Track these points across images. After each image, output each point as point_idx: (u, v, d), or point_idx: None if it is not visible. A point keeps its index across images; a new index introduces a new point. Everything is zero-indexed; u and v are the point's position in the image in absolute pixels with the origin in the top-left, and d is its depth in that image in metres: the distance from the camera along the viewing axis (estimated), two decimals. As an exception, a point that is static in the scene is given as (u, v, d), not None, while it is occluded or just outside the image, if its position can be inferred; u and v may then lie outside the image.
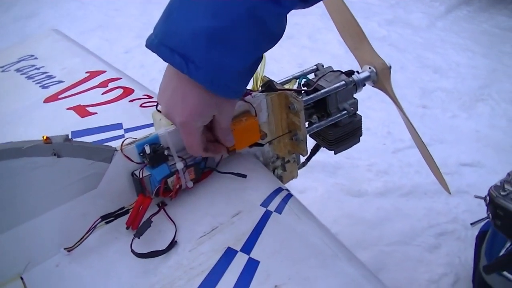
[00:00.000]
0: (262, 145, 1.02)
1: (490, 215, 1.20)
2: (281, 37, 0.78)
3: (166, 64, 0.76)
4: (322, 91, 1.04)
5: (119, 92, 1.35)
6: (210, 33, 0.69)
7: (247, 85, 0.81)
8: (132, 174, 0.86)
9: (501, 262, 1.30)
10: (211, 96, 0.77)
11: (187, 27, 0.70)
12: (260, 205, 0.89)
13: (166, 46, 0.73)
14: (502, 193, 1.16)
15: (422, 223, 2.15)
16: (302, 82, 1.09)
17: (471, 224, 1.36)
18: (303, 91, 1.05)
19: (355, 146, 1.17)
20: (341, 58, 3.06)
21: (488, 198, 1.20)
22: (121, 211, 0.86)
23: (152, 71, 3.26)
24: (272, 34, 0.76)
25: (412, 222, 2.16)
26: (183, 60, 0.72)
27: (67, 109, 1.28)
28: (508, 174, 1.20)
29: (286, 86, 1.08)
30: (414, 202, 2.27)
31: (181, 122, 0.81)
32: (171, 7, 0.74)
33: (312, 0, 0.78)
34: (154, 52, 0.74)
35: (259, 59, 0.79)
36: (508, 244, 1.31)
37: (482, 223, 1.40)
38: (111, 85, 1.39)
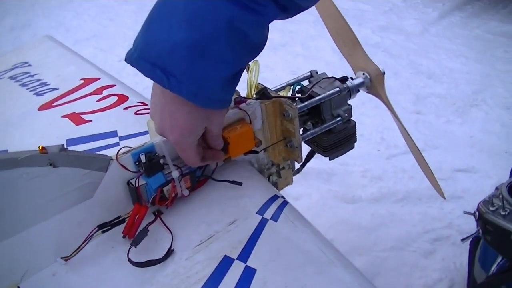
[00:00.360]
0: (257, 152, 1.02)
1: (480, 230, 1.20)
2: (263, 47, 0.77)
3: None
4: (317, 98, 1.04)
5: (113, 99, 1.34)
6: (189, 46, 0.68)
7: (232, 94, 0.81)
8: (128, 183, 0.86)
9: (493, 281, 1.30)
10: (198, 109, 0.76)
11: (166, 40, 0.69)
12: (256, 213, 0.89)
13: (146, 60, 0.72)
14: (491, 208, 1.16)
15: (417, 228, 2.15)
16: (297, 89, 1.10)
17: (462, 240, 1.36)
18: (297, 98, 1.05)
19: (349, 152, 1.17)
20: (335, 65, 3.06)
21: (477, 213, 1.20)
22: (118, 220, 0.85)
23: (146, 79, 3.19)
24: (253, 45, 0.75)
25: (407, 227, 2.16)
26: (164, 74, 0.71)
27: (62, 116, 1.28)
28: (497, 188, 1.20)
29: (281, 93, 1.08)
30: (409, 208, 2.28)
31: (174, 141, 0.81)
32: (150, 20, 0.73)
33: (293, 10, 0.77)
34: (133, 66, 0.73)
35: (242, 69, 0.78)
36: (499, 259, 1.31)
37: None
38: (105, 92, 1.39)
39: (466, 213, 1.28)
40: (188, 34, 0.68)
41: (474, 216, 1.21)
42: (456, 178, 2.45)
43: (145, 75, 0.73)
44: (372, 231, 2.15)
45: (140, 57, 0.72)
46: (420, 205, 2.29)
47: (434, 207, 2.26)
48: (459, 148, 2.69)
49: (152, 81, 0.76)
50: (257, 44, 0.76)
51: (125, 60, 0.74)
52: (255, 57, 0.78)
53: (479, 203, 1.19)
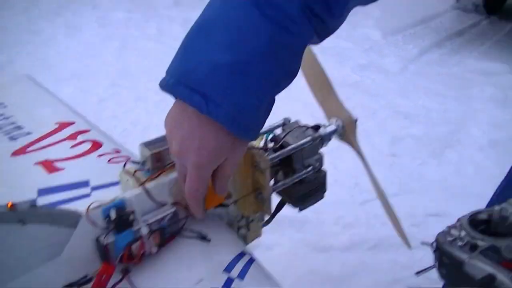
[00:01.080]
0: (227, 205, 1.02)
1: (436, 263, 1.20)
2: (296, 74, 0.78)
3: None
4: (289, 147, 1.04)
5: (87, 146, 1.34)
6: (229, 69, 0.69)
7: (262, 127, 0.80)
8: (97, 239, 0.85)
9: None
10: (228, 137, 0.76)
11: (205, 64, 0.69)
12: (223, 271, 0.89)
13: (184, 85, 0.71)
14: (449, 238, 1.16)
15: (387, 277, 2.16)
16: (269, 138, 1.10)
17: (416, 273, 1.35)
18: (268, 149, 1.05)
19: (323, 199, 1.17)
20: (314, 106, 3.06)
21: (434, 244, 1.20)
22: (84, 279, 0.84)
23: (124, 121, 3.31)
24: (290, 69, 0.76)
25: (378, 276, 2.17)
26: (203, 99, 0.70)
27: (35, 164, 1.27)
28: (458, 220, 1.20)
29: (253, 142, 1.08)
30: (380, 256, 2.29)
31: (196, 164, 0.79)
32: (186, 44, 0.73)
33: (323, 35, 0.78)
34: (169, 93, 0.73)
35: (274, 99, 0.78)
36: None
37: (428, 272, 1.38)
38: (79, 138, 1.39)
39: (424, 243, 1.27)
40: (229, 56, 0.69)
41: (431, 247, 1.21)
42: (428, 223, 2.47)
43: (182, 101, 0.73)
44: (342, 282, 2.15)
45: (178, 82, 0.72)
46: (391, 253, 2.30)
47: (404, 254, 2.25)
48: (432, 192, 2.71)
49: (173, 102, 0.77)
50: (293, 69, 0.77)
51: (160, 87, 0.74)
52: (288, 85, 0.79)
53: (438, 234, 1.19)
